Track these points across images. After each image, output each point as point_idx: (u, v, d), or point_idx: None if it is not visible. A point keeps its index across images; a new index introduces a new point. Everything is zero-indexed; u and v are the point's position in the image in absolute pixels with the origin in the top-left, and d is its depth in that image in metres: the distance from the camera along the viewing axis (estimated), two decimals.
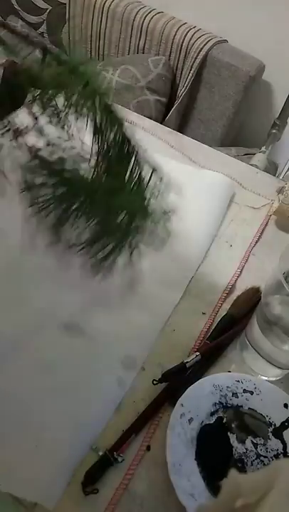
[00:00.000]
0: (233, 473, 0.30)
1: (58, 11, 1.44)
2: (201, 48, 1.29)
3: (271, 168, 1.34)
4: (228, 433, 0.44)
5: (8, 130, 0.34)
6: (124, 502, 0.39)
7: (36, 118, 0.34)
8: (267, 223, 0.68)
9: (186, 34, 1.30)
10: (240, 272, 0.60)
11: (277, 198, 0.69)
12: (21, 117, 0.34)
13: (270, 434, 0.45)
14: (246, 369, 0.50)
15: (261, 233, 0.66)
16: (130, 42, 1.37)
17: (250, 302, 0.54)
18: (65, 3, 1.42)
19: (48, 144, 0.35)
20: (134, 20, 1.33)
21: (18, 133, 0.34)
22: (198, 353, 0.48)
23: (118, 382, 0.46)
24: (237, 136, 1.50)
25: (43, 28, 1.50)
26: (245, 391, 0.46)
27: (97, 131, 0.36)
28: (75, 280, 0.53)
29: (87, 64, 0.34)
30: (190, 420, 0.43)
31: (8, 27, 0.35)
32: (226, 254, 0.62)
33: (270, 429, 0.45)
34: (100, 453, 0.41)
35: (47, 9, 1.46)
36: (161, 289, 0.55)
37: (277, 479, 0.29)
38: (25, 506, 0.37)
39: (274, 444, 0.44)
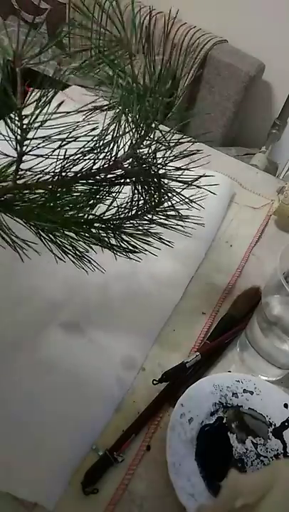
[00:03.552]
0: (233, 473, 0.30)
1: (57, 11, 1.44)
2: (201, 48, 1.29)
3: (271, 168, 1.34)
4: (228, 433, 0.44)
5: None
6: (124, 502, 0.39)
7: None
8: (267, 223, 0.68)
9: (186, 34, 1.30)
10: (240, 271, 0.60)
11: (277, 198, 0.69)
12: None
13: (270, 434, 0.45)
14: (246, 369, 0.50)
15: (261, 233, 0.66)
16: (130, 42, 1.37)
17: (250, 302, 0.54)
18: (65, 3, 1.42)
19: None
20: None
21: None
22: (198, 353, 0.48)
23: (118, 382, 0.46)
24: (237, 136, 1.50)
25: (43, 28, 1.50)
26: (245, 391, 0.46)
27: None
28: (76, 280, 0.53)
29: None
30: (190, 420, 0.43)
31: None
32: (226, 254, 0.62)
33: (270, 429, 0.45)
34: (100, 453, 0.41)
35: (47, 9, 1.46)
36: (161, 289, 0.55)
37: (276, 479, 0.29)
38: (26, 506, 0.37)
39: (274, 444, 0.44)
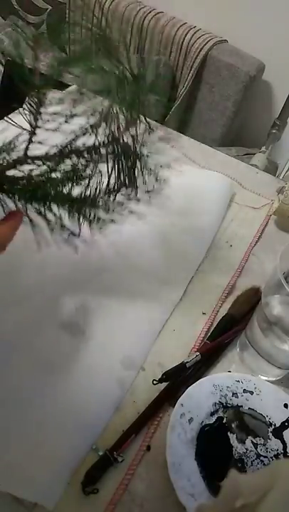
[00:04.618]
0: (233, 473, 0.30)
1: (57, 11, 1.44)
2: (201, 48, 1.29)
3: (271, 168, 1.34)
4: (228, 433, 0.44)
5: None
6: (124, 502, 0.39)
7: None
8: (267, 223, 0.68)
9: (186, 34, 1.30)
10: (240, 271, 0.60)
11: (277, 198, 0.69)
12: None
13: (270, 434, 0.45)
14: (246, 369, 0.50)
15: (261, 233, 0.66)
16: (130, 42, 1.37)
17: (250, 302, 0.54)
18: (65, 3, 1.42)
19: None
20: (134, 20, 1.33)
21: None
22: (198, 353, 0.48)
23: (118, 383, 0.46)
24: (237, 136, 1.50)
25: (43, 28, 1.50)
26: (245, 391, 0.46)
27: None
28: (76, 279, 0.53)
29: None
30: (190, 420, 0.43)
31: None
32: (226, 254, 0.62)
33: (270, 429, 0.45)
34: (100, 453, 0.41)
35: (47, 9, 1.46)
36: (161, 289, 0.55)
37: (277, 479, 0.29)
38: (26, 506, 0.37)
39: (274, 444, 0.44)
